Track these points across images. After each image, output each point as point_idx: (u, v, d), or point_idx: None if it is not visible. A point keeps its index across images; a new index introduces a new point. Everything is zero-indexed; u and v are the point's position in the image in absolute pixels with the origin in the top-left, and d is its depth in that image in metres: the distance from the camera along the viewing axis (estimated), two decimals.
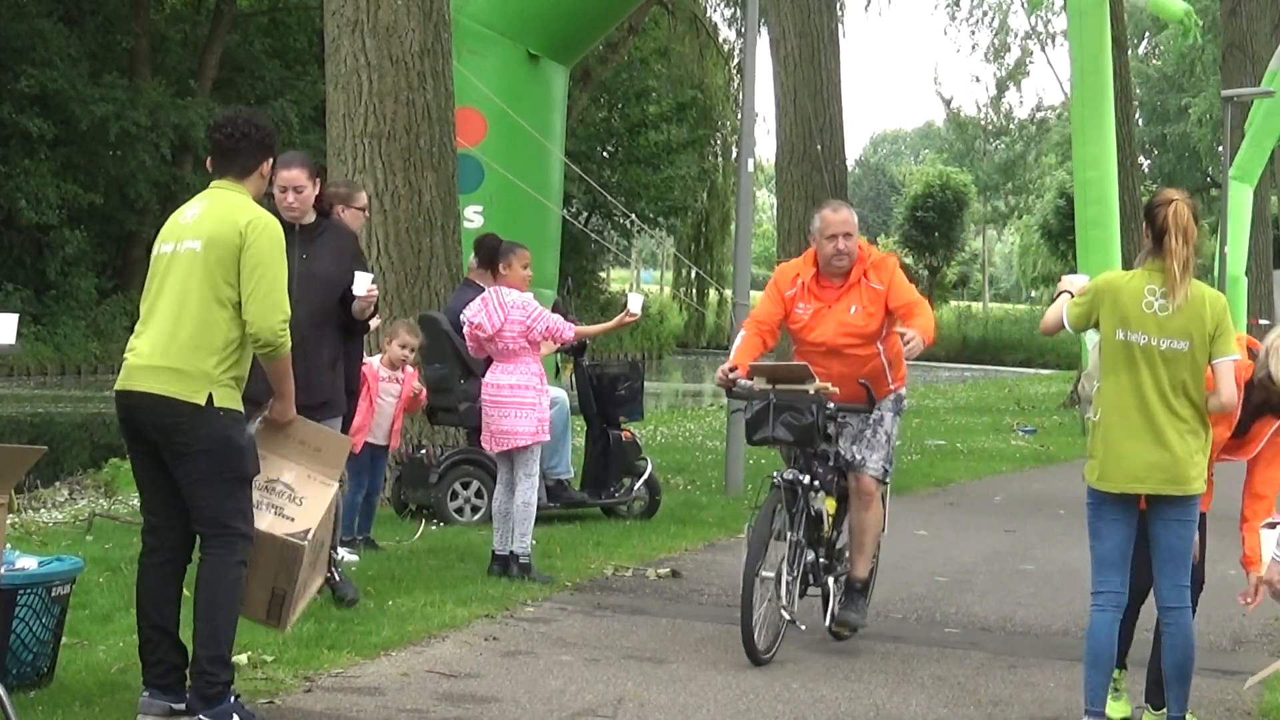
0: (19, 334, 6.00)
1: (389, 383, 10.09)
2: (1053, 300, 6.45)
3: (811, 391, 7.53)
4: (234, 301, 5.80)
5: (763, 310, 8.01)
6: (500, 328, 9.19)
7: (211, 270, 5.78)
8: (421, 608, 8.12)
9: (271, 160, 6.18)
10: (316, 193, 7.72)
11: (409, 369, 10.20)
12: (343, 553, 9.53)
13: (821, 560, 7.83)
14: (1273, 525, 5.84)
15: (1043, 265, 68.48)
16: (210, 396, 5.71)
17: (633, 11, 25.30)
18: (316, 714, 6.18)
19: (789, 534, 7.52)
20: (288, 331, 5.84)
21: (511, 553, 9.19)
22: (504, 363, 9.26)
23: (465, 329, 9.48)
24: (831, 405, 7.62)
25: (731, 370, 7.73)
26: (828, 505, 7.84)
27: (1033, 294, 77.69)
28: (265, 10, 44.94)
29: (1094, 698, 6.07)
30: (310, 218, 7.75)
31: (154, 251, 5.94)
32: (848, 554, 8.05)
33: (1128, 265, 20.27)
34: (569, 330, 9.43)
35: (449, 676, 6.89)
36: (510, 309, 9.21)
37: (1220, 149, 26.12)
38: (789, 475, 7.50)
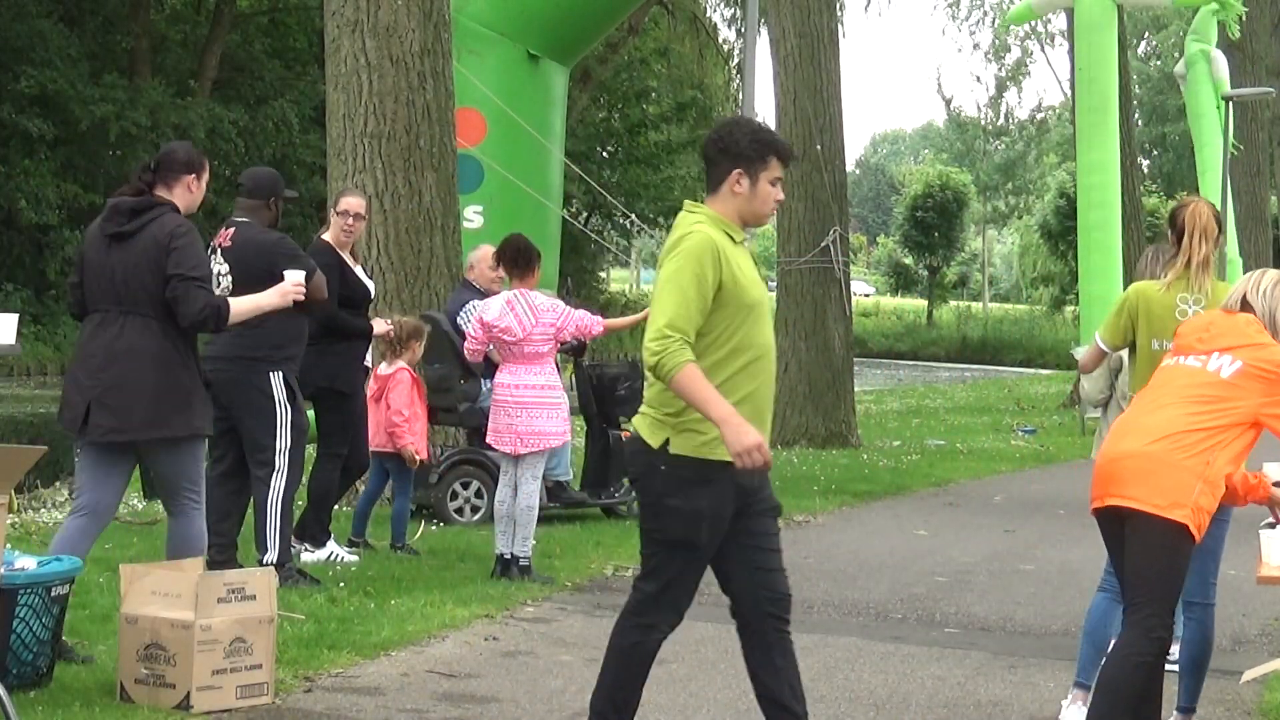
0: (19, 334, 6.00)
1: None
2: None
3: None
4: None
5: None
6: (531, 331, 9.14)
7: None
8: (421, 608, 8.12)
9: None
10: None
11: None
12: (342, 553, 9.54)
13: None
14: (1273, 525, 5.83)
15: (1042, 265, 68.44)
16: None
17: (633, 11, 25.32)
18: (316, 714, 6.18)
19: None
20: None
21: (513, 554, 9.18)
22: (529, 364, 9.18)
23: (478, 331, 9.34)
24: None
25: None
26: None
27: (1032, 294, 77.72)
28: (265, 10, 44.93)
29: (1081, 669, 6.15)
30: None
31: None
32: None
33: (1128, 267, 20.22)
34: (598, 324, 9.41)
35: (449, 676, 6.89)
36: (541, 312, 9.16)
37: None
38: None
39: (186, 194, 6.89)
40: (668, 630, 5.40)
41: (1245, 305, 5.67)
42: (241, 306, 7.01)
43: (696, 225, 5.19)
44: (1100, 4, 17.12)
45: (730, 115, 47.61)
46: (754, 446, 4.95)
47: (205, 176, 7.02)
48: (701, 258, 5.06)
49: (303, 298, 7.32)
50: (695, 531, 5.15)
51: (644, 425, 5.20)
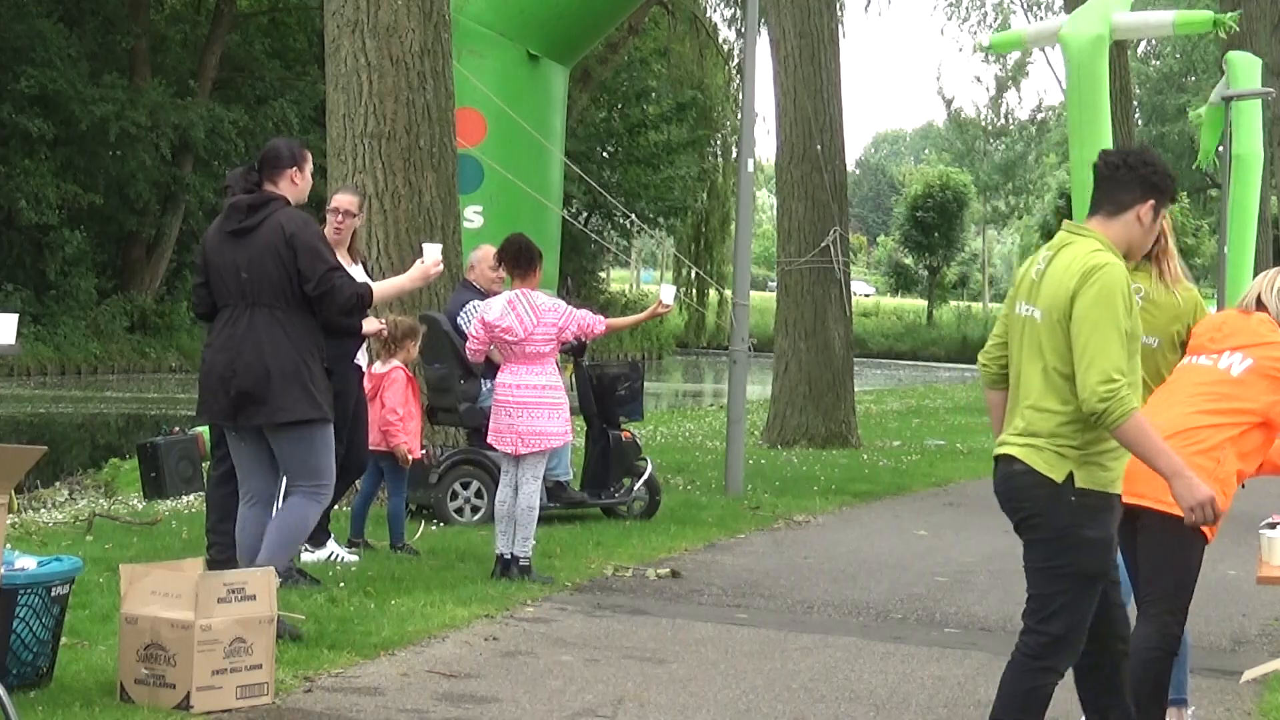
0: (19, 334, 6.00)
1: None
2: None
3: None
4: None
5: None
6: (532, 331, 9.14)
7: None
8: (421, 608, 8.12)
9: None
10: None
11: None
12: (342, 553, 9.54)
13: None
14: (1273, 525, 5.83)
15: None
16: None
17: (633, 11, 25.31)
18: (316, 714, 6.18)
19: None
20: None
21: (513, 554, 9.18)
22: (530, 364, 9.18)
23: (479, 331, 9.34)
24: None
25: None
26: None
27: None
28: (265, 10, 44.94)
29: None
30: None
31: None
32: None
33: None
34: (600, 323, 9.41)
35: (449, 676, 6.89)
36: (543, 312, 9.15)
37: (1220, 149, 26.12)
38: None
39: (292, 187, 7.30)
40: (1065, 672, 5.25)
41: (1260, 305, 5.72)
42: (385, 290, 7.59)
43: (1100, 254, 5.02)
44: (1092, 36, 17.06)
45: (730, 115, 47.64)
46: (1208, 501, 4.90)
47: (308, 167, 7.40)
48: (1126, 293, 4.95)
49: (440, 272, 7.73)
50: (1107, 561, 5.08)
51: (1038, 458, 5.06)
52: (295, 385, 7.09)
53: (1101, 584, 5.11)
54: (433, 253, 7.63)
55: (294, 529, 7.36)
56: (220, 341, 7.22)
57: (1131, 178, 5.10)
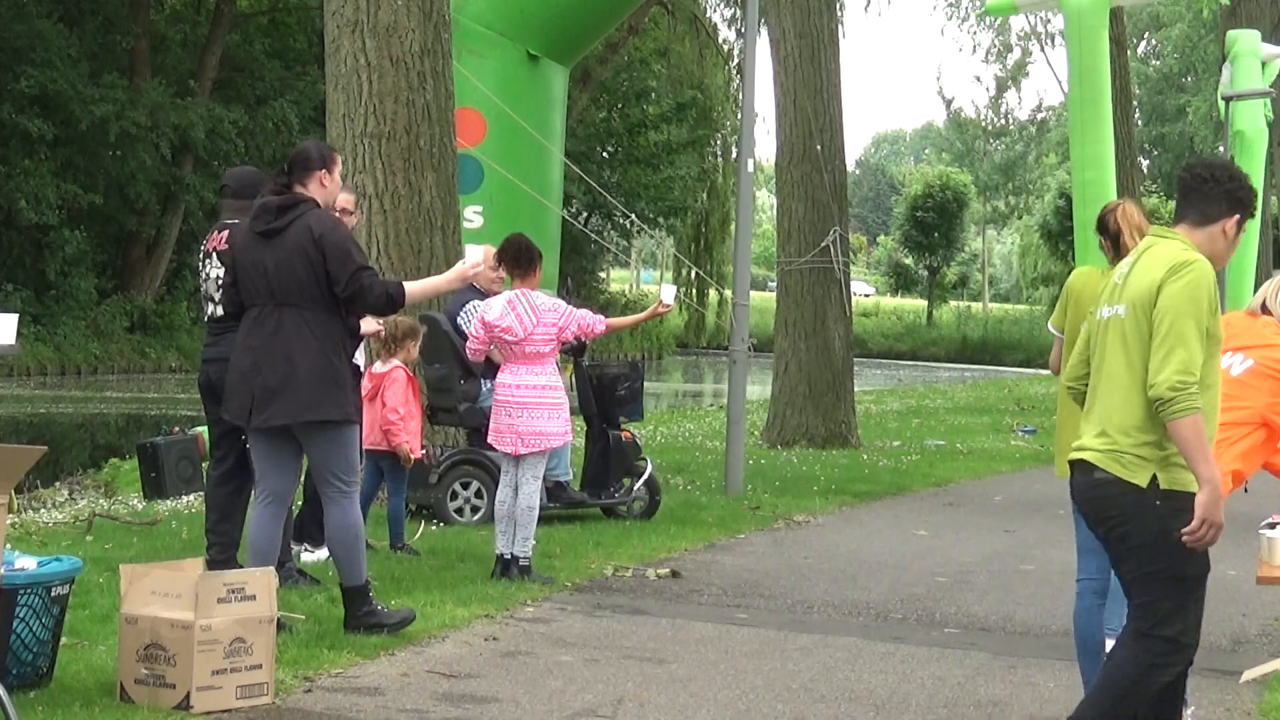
0: (19, 334, 5.99)
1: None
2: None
3: None
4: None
5: None
6: (532, 331, 9.14)
7: None
8: (421, 608, 8.12)
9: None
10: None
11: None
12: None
13: None
14: (1273, 525, 5.83)
15: (1042, 266, 68.53)
16: None
17: (633, 11, 25.32)
18: (316, 714, 6.18)
19: None
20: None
21: (513, 554, 9.18)
22: (530, 364, 9.18)
23: (479, 331, 9.35)
24: None
25: None
26: None
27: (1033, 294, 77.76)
28: (265, 10, 44.95)
29: (1088, 684, 6.14)
30: None
31: None
32: None
33: None
34: (600, 323, 9.41)
35: (449, 676, 6.89)
36: (543, 312, 9.16)
37: (1220, 149, 26.15)
38: None
39: (320, 189, 7.40)
40: (1178, 673, 5.23)
41: (1265, 310, 5.76)
42: (417, 289, 7.64)
43: (1190, 252, 5.06)
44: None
45: (730, 115, 47.67)
46: (1220, 526, 4.93)
47: (337, 170, 7.52)
48: (1211, 291, 5.01)
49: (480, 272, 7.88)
50: (1202, 561, 5.09)
51: (1118, 465, 5.06)
52: (322, 385, 7.15)
53: (1203, 583, 5.12)
54: (474, 254, 7.77)
55: (349, 534, 7.38)
56: (247, 341, 7.27)
57: (1219, 192, 5.17)
